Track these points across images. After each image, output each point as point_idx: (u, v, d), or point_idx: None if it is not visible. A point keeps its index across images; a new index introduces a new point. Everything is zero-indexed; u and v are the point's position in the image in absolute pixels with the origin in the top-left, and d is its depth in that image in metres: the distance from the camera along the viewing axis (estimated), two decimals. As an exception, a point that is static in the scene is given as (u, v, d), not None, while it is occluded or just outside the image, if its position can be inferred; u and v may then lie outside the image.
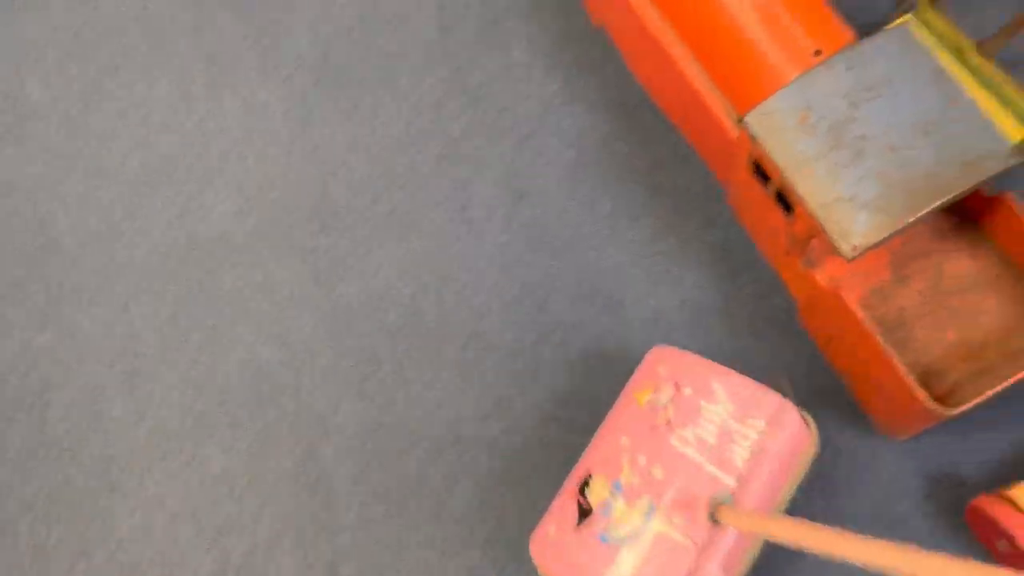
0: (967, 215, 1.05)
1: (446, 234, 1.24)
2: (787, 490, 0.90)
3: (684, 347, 1.15)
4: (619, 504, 0.91)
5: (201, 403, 1.18)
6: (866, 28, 1.23)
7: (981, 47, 1.14)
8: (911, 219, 0.89)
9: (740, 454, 0.89)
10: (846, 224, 0.90)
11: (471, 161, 1.27)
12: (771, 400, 0.90)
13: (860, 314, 0.94)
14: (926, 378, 1.02)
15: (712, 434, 0.91)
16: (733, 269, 1.18)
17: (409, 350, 1.19)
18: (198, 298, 1.23)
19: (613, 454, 0.95)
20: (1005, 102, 1.12)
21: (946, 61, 1.14)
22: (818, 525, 0.81)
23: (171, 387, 1.19)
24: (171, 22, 1.39)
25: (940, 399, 1.01)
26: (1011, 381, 0.95)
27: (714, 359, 1.15)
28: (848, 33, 0.98)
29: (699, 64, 1.04)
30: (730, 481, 0.87)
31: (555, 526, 0.96)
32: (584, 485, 0.95)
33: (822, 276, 1.00)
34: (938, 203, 0.88)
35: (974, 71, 1.14)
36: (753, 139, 0.96)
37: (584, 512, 0.93)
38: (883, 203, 0.90)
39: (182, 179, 1.30)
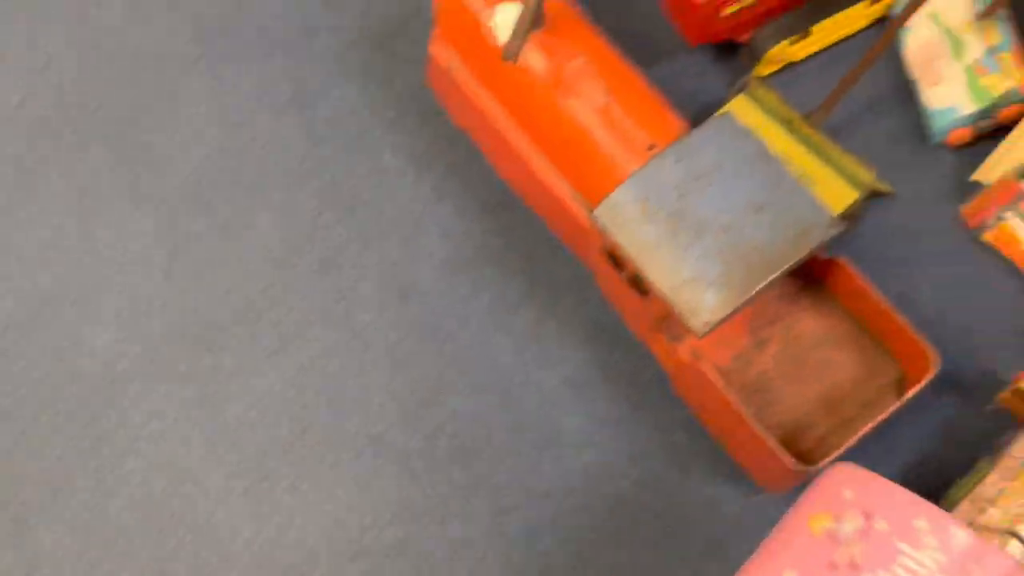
0: (812, 277, 1.14)
1: (333, 341, 1.26)
2: None
3: (569, 421, 1.20)
4: None
5: (95, 550, 1.16)
6: (709, 105, 1.33)
7: (808, 119, 1.25)
8: (752, 292, 0.96)
9: None
10: (694, 303, 0.97)
11: (352, 267, 1.30)
12: (1000, 562, 0.74)
13: (722, 386, 1.00)
14: (794, 435, 1.08)
15: None
16: (610, 345, 1.23)
17: (304, 463, 1.20)
18: (83, 433, 1.22)
19: None
20: (835, 167, 1.23)
21: (774, 135, 1.24)
22: None
23: (62, 537, 1.16)
24: (41, 161, 1.40)
25: (809, 452, 1.07)
26: (868, 428, 1.02)
27: (598, 431, 1.19)
28: (679, 125, 1.06)
29: (549, 162, 1.10)
30: None
31: None
32: None
33: (684, 350, 1.06)
34: (773, 276, 0.96)
35: (805, 141, 1.25)
36: (603, 231, 1.02)
37: None
38: (726, 280, 0.97)
39: (60, 315, 1.29)
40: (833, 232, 0.97)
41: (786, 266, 0.96)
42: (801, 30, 1.30)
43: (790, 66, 1.35)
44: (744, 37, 1.31)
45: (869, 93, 1.33)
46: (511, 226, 1.32)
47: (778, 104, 1.27)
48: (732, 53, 1.35)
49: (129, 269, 1.33)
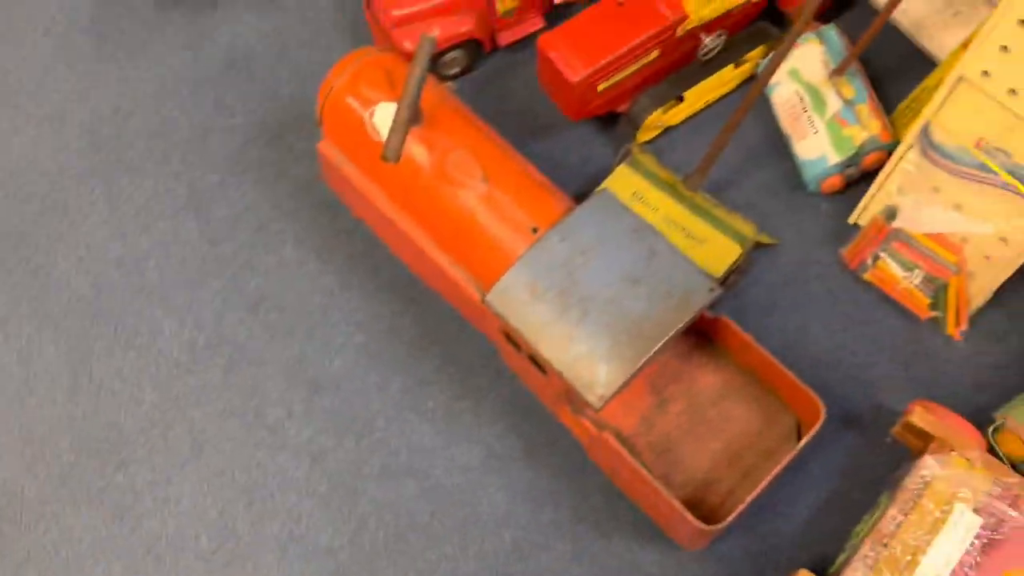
0: (705, 334, 1.18)
1: (247, 442, 1.25)
2: None
3: (491, 498, 1.20)
4: None
5: None
6: (598, 174, 1.38)
7: (687, 181, 1.31)
8: (641, 362, 1.00)
9: None
10: (589, 378, 1.00)
11: (260, 365, 1.30)
12: None
13: (626, 455, 1.03)
14: (702, 492, 1.11)
15: None
16: (525, 416, 1.25)
17: (228, 572, 1.18)
18: (-5, 568, 1.18)
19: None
20: (718, 225, 1.29)
21: (659, 199, 1.30)
22: None
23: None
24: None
25: (718, 508, 1.10)
26: (769, 478, 1.06)
27: (519, 505, 1.20)
28: (561, 204, 1.10)
29: (442, 250, 1.13)
30: None
31: None
32: None
33: (588, 421, 1.09)
34: (659, 344, 1.00)
35: (688, 203, 1.31)
36: (497, 316, 1.05)
37: None
38: (616, 352, 1.00)
39: (-37, 444, 1.26)
40: (712, 296, 1.02)
41: (670, 333, 1.00)
42: (675, 96, 1.37)
43: (669, 130, 1.41)
44: (622, 108, 1.37)
45: (749, 147, 1.40)
46: (418, 307, 1.34)
47: (660, 169, 1.33)
48: (614, 122, 1.41)
49: (34, 392, 1.31)
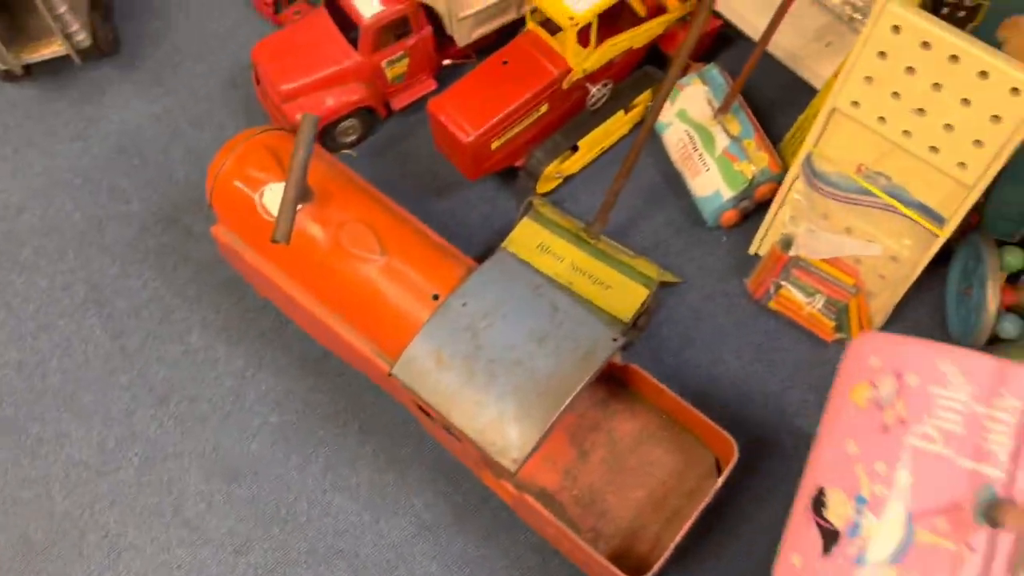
0: (619, 380, 1.19)
1: (168, 541, 1.21)
2: None
3: (423, 569, 1.18)
4: (869, 520, 0.81)
5: None
6: (502, 229, 1.38)
7: (589, 229, 1.32)
8: (552, 420, 0.99)
9: (999, 440, 0.79)
10: (502, 443, 0.99)
11: (175, 458, 1.26)
12: (1019, 374, 0.81)
13: (548, 515, 1.02)
14: (631, 540, 1.11)
15: (958, 424, 0.80)
16: (453, 482, 1.23)
17: None
18: None
19: (843, 465, 0.84)
20: (623, 269, 1.30)
21: (563, 249, 1.31)
22: None
23: None
24: None
25: (647, 554, 1.10)
26: (693, 519, 1.06)
27: (456, 570, 1.18)
28: (461, 268, 1.10)
29: (346, 323, 1.12)
30: (995, 473, 0.78)
31: (799, 555, 0.84)
32: (819, 504, 0.85)
33: (510, 484, 1.08)
34: (568, 400, 1.00)
35: (592, 250, 1.32)
36: (405, 387, 1.04)
37: (829, 535, 0.83)
38: (526, 413, 1.00)
39: None
40: (616, 346, 1.02)
41: (578, 388, 1.00)
42: (570, 146, 1.39)
43: (568, 180, 1.43)
44: (519, 162, 1.39)
45: (648, 188, 1.42)
46: (334, 381, 1.32)
47: (562, 218, 1.35)
48: (514, 177, 1.42)
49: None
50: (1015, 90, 0.99)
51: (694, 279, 1.36)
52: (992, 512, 0.77)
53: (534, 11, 1.32)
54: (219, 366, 1.32)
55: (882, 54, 1.06)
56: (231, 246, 1.17)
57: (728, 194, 1.33)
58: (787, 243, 1.28)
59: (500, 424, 0.99)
